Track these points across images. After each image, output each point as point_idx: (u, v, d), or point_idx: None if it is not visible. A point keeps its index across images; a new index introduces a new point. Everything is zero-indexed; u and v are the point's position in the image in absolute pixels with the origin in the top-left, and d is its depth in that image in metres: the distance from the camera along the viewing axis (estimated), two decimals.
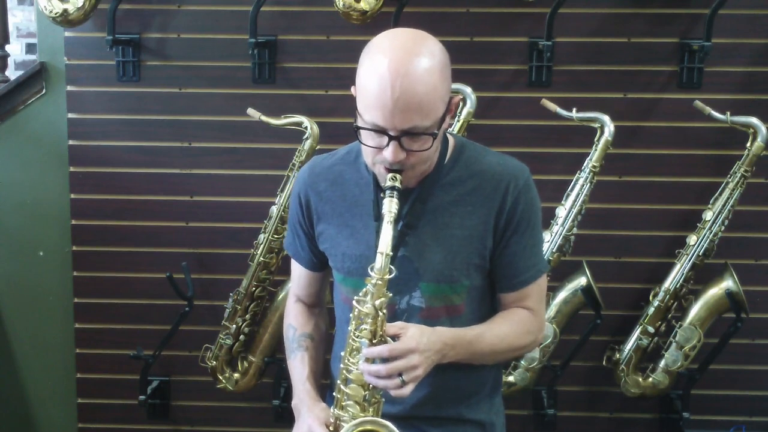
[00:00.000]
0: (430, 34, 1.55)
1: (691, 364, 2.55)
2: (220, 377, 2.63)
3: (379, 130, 1.50)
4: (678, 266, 2.52)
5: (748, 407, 2.77)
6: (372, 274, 1.50)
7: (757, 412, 2.77)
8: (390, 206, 1.51)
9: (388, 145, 1.50)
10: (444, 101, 1.52)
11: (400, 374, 1.48)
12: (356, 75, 1.53)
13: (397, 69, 1.45)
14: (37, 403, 2.89)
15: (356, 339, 1.53)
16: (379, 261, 1.49)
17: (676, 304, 2.53)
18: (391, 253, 1.49)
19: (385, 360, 1.49)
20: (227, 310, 2.58)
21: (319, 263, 1.80)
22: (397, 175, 1.53)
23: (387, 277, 1.50)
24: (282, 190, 2.52)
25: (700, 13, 2.57)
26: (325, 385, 1.82)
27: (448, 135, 1.69)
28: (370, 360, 1.50)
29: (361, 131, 1.53)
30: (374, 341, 1.50)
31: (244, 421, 2.85)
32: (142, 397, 2.73)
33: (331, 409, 1.60)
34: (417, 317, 1.65)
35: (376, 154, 1.54)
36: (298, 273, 1.85)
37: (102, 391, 2.85)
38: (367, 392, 1.55)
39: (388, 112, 1.46)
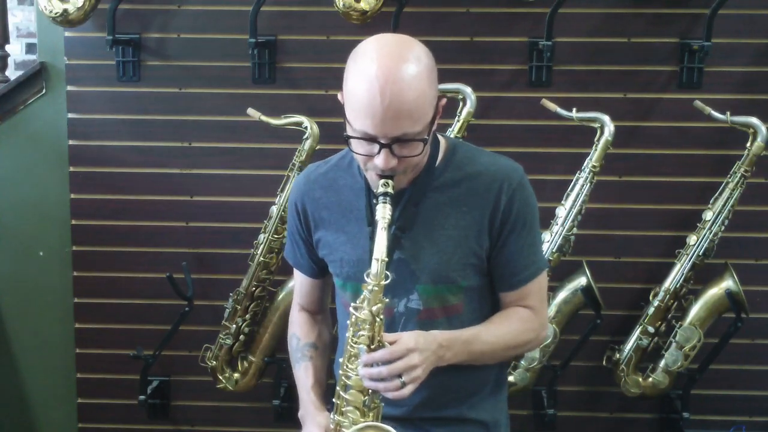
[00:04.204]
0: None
1: (691, 364, 2.55)
2: (220, 377, 2.63)
3: (370, 139, 1.49)
4: (678, 266, 2.51)
5: (748, 407, 2.77)
6: (368, 280, 1.50)
7: (757, 412, 2.77)
8: (383, 212, 1.50)
9: (379, 152, 1.49)
10: (432, 105, 1.52)
11: (399, 375, 1.48)
12: (343, 82, 1.52)
13: (386, 76, 1.44)
14: (37, 403, 2.88)
15: (354, 345, 1.53)
16: (375, 267, 1.48)
17: (676, 304, 2.53)
18: (386, 259, 1.49)
19: (385, 363, 1.48)
20: (227, 310, 2.58)
21: (319, 270, 1.80)
22: (389, 181, 1.52)
23: (383, 283, 1.49)
24: (282, 190, 2.51)
25: (700, 13, 2.57)
26: (331, 385, 1.82)
27: (439, 137, 1.69)
28: (370, 365, 1.50)
29: (352, 140, 1.52)
30: (372, 347, 1.50)
31: (244, 421, 2.85)
32: (142, 397, 2.73)
33: (331, 415, 1.60)
34: (415, 320, 1.65)
35: (367, 161, 1.54)
36: (300, 281, 1.86)
37: (102, 391, 2.85)
38: (366, 398, 1.55)
39: (378, 120, 1.45)
